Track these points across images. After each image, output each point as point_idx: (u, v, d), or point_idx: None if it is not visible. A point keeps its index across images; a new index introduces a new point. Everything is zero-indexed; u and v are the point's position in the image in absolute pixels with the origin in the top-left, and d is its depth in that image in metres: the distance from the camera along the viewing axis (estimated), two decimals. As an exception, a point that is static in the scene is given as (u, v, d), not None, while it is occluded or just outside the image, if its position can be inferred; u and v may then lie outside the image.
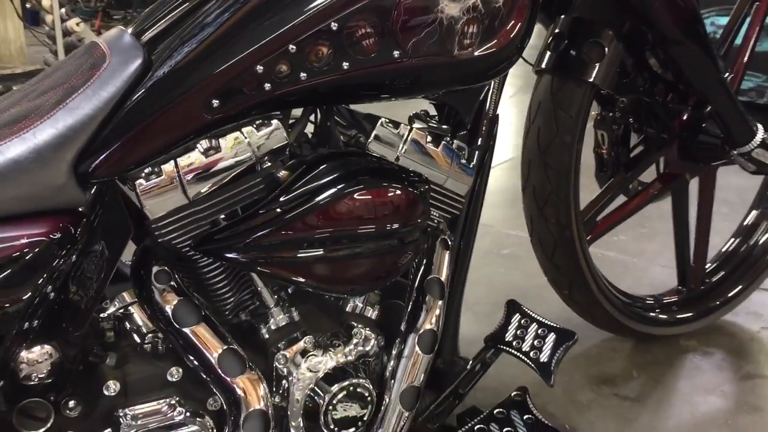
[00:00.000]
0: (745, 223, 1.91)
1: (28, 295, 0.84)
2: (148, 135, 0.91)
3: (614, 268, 1.97)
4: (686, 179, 1.68)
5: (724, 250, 1.89)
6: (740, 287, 1.82)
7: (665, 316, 1.71)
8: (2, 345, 0.85)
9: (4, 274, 0.82)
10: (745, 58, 1.68)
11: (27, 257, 0.83)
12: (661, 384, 1.59)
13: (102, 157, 0.89)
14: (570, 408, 1.48)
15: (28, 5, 4.70)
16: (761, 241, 1.87)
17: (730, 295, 1.80)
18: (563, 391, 1.53)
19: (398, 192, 1.02)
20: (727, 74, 1.55)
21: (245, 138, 0.97)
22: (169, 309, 0.98)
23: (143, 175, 0.93)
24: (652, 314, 1.70)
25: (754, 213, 1.92)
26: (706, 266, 1.84)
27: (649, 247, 2.26)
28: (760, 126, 1.51)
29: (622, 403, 1.52)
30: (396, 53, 0.97)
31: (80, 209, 0.89)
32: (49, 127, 0.86)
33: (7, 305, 0.84)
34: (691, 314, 1.74)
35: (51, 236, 0.85)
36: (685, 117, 1.57)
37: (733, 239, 1.90)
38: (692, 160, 1.61)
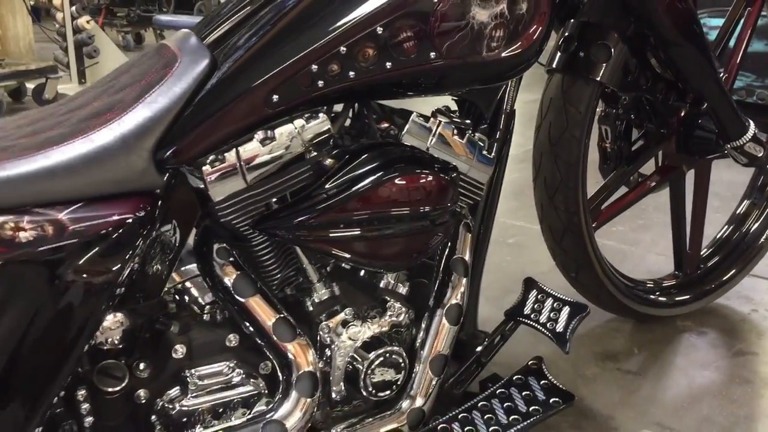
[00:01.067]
0: (737, 212, 2.04)
1: (116, 267, 0.96)
2: (216, 126, 1.03)
3: (614, 256, 2.09)
4: (683, 171, 1.81)
5: (717, 237, 2.02)
6: (733, 272, 1.94)
7: (664, 299, 1.84)
8: (94, 314, 0.97)
9: (97, 248, 0.94)
10: (738, 59, 1.82)
11: (116, 234, 0.95)
12: (660, 360, 1.72)
13: (176, 145, 1.00)
14: (577, 380, 1.61)
15: (31, 2, 4.80)
16: (752, 229, 2.00)
17: (723, 279, 1.93)
18: (571, 365, 1.66)
19: (431, 178, 1.14)
20: (721, 74, 1.68)
21: (296, 129, 1.08)
22: (229, 282, 1.09)
23: (209, 161, 1.04)
24: (651, 296, 1.82)
25: (745, 203, 2.05)
26: (701, 252, 1.97)
27: (646, 237, 2.39)
28: (751, 122, 1.64)
29: (624, 377, 1.65)
30: (432, 54, 1.09)
31: (157, 192, 1.01)
32: (131, 118, 0.98)
33: (99, 277, 0.95)
34: (687, 297, 1.87)
35: (136, 214, 0.96)
36: (682, 113, 1.69)
37: (726, 227, 2.03)
38: (689, 153, 1.74)
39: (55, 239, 0.90)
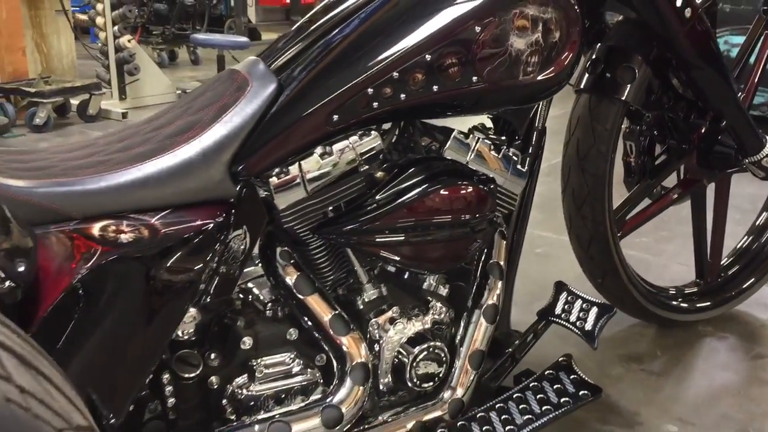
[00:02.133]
0: (757, 223, 2.14)
1: (198, 267, 1.09)
2: (282, 143, 1.16)
3: (638, 266, 2.19)
4: (704, 184, 1.91)
5: (737, 247, 2.12)
6: (752, 280, 2.04)
7: (686, 305, 1.94)
8: (179, 307, 1.10)
9: (183, 250, 1.07)
10: (757, 77, 1.92)
11: (198, 237, 1.08)
12: (681, 362, 1.82)
13: (248, 160, 1.13)
14: (604, 380, 1.72)
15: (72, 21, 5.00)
16: (771, 240, 2.10)
17: (743, 287, 2.03)
18: (597, 366, 1.77)
19: (471, 190, 1.27)
20: (740, 92, 1.79)
21: (351, 145, 1.21)
22: (290, 281, 1.22)
23: (275, 174, 1.18)
24: (674, 302, 1.93)
25: (764, 215, 2.14)
26: (722, 262, 2.07)
27: (669, 247, 2.49)
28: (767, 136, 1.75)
29: (648, 377, 1.75)
30: (474, 78, 1.21)
31: (231, 201, 1.14)
32: (210, 136, 1.12)
33: (184, 274, 1.08)
34: (708, 303, 1.97)
35: (215, 220, 1.10)
36: (703, 130, 1.79)
37: (746, 237, 2.13)
38: (709, 167, 1.84)
39: (148, 242, 1.04)
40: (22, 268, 0.85)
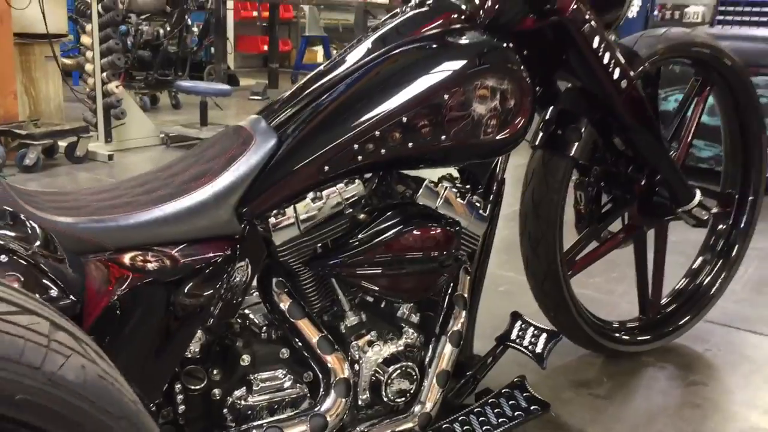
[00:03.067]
0: (692, 267, 2.40)
1: (209, 293, 1.29)
2: (280, 190, 1.37)
3: (591, 303, 2.42)
4: (644, 230, 2.16)
5: (676, 287, 2.37)
6: (688, 317, 2.29)
7: (628, 337, 2.18)
8: (192, 326, 1.30)
9: (196, 278, 1.27)
10: (689, 136, 2.19)
11: (209, 268, 1.28)
12: (625, 387, 2.05)
13: (252, 203, 1.35)
14: (555, 402, 1.92)
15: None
16: (705, 282, 2.35)
17: (680, 323, 2.28)
18: (550, 390, 1.98)
19: (439, 231, 1.49)
20: (673, 152, 2.05)
21: (338, 192, 1.43)
22: (284, 307, 1.43)
23: (273, 215, 1.39)
24: (618, 335, 2.16)
25: (699, 259, 2.41)
26: (662, 300, 2.32)
27: (619, 287, 2.73)
28: (698, 191, 2.00)
29: (594, 400, 1.97)
30: (443, 137, 1.45)
31: (236, 237, 1.35)
32: (221, 182, 1.33)
33: (197, 299, 1.28)
34: (648, 337, 2.21)
35: (223, 254, 1.30)
36: (642, 183, 2.05)
37: (683, 279, 2.39)
38: (648, 215, 2.09)
39: (169, 270, 1.24)
40: (78, 288, 1.04)
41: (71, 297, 1.03)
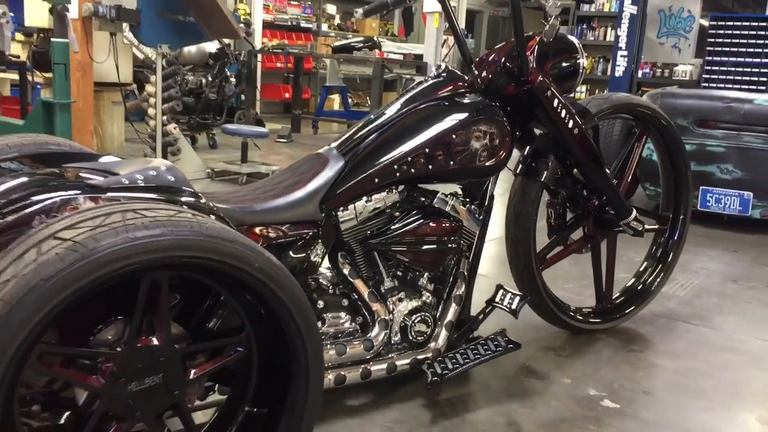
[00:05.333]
0: (639, 269, 3.17)
1: (302, 256, 2.06)
2: (347, 194, 2.15)
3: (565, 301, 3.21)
4: (598, 240, 2.93)
5: (626, 285, 3.13)
6: (633, 308, 3.05)
7: (582, 318, 2.93)
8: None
9: (296, 245, 2.04)
10: (631, 169, 2.97)
11: (303, 240, 2.06)
12: (581, 351, 2.79)
13: (328, 202, 2.12)
14: (529, 358, 2.68)
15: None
16: (647, 281, 3.12)
17: (625, 312, 3.03)
18: (526, 352, 2.72)
19: (448, 224, 2.28)
20: (616, 180, 2.83)
21: (382, 197, 2.21)
22: (345, 271, 2.19)
23: (341, 209, 2.16)
24: (575, 315, 2.91)
25: (644, 264, 3.18)
26: (614, 295, 3.07)
27: (587, 291, 3.47)
28: (634, 209, 2.78)
29: (558, 358, 2.72)
30: (451, 162, 2.23)
31: (318, 222, 2.12)
32: (309, 187, 2.11)
33: (296, 260, 2.04)
34: (599, 320, 2.96)
35: (311, 231, 2.08)
36: (596, 203, 2.82)
37: (632, 279, 3.15)
38: (601, 228, 2.86)
39: (280, 239, 2.01)
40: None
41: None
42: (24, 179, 1.75)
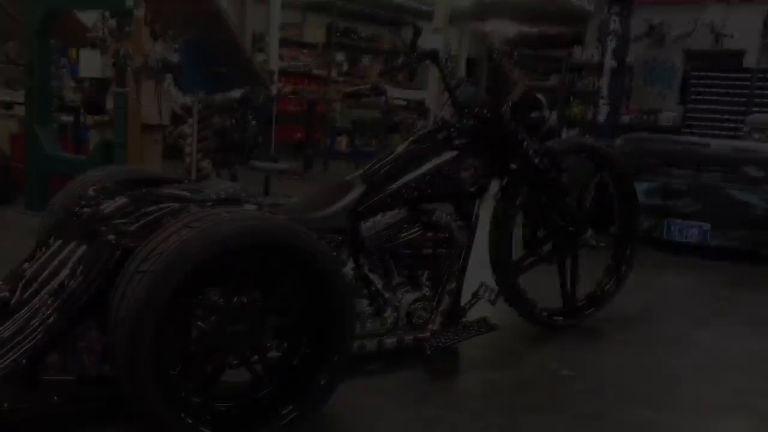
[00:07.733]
0: (599, 281, 3.91)
1: (336, 253, 2.80)
2: (367, 210, 2.92)
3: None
4: (565, 254, 3.67)
5: (588, 292, 3.87)
6: (593, 309, 3.78)
7: (546, 314, 3.65)
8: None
9: (331, 245, 2.79)
10: (588, 200, 3.73)
11: (337, 241, 2.81)
12: (553, 338, 3.52)
13: (354, 215, 2.88)
14: (512, 342, 3.40)
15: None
16: (606, 288, 3.85)
17: (585, 313, 3.77)
18: (508, 338, 3.44)
19: (446, 234, 3.04)
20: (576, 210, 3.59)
21: (395, 212, 2.97)
22: (366, 269, 2.94)
23: (362, 221, 2.92)
24: (543, 313, 3.63)
25: (605, 277, 3.91)
26: (578, 300, 3.80)
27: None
28: (589, 228, 3.54)
29: (533, 342, 3.45)
30: (446, 187, 3.00)
31: (346, 230, 2.87)
32: (340, 204, 2.87)
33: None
34: (562, 318, 3.69)
35: (341, 237, 2.83)
36: (561, 223, 3.57)
37: (594, 287, 3.89)
38: (566, 243, 3.62)
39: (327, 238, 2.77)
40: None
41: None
42: (137, 195, 2.53)
